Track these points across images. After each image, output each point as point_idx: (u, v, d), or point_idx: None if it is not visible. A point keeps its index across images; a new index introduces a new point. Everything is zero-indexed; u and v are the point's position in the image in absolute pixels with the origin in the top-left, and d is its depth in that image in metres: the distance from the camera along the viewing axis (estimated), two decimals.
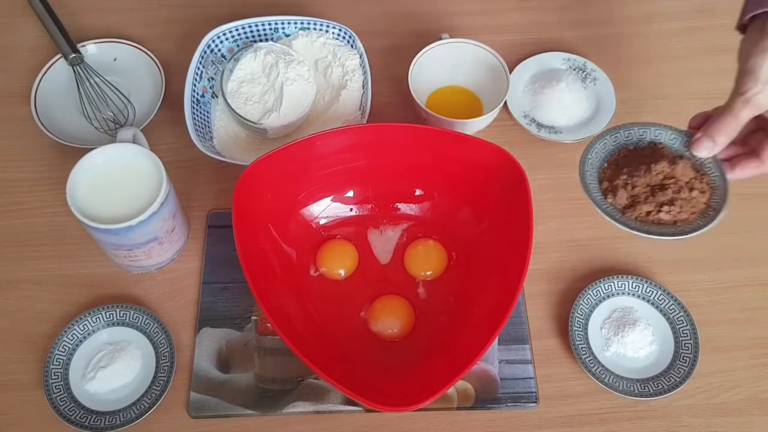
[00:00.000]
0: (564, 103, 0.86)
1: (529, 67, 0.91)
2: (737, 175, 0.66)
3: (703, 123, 0.67)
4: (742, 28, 0.65)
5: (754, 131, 0.66)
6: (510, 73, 0.85)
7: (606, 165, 0.71)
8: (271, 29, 0.89)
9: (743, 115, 0.62)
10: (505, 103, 0.84)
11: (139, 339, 0.73)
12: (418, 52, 0.84)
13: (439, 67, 0.87)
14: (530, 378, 0.72)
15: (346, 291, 0.76)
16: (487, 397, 0.71)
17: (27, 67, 0.90)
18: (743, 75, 0.62)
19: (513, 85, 0.87)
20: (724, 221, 0.82)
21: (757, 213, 0.83)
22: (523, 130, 0.86)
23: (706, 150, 0.65)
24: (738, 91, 0.62)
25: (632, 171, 0.68)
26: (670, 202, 0.66)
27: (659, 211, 0.66)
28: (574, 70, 0.90)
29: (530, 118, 0.87)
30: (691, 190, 0.67)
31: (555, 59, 0.91)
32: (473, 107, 0.87)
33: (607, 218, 0.67)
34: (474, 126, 0.83)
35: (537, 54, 0.92)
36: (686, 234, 0.65)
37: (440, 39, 0.86)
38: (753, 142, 0.66)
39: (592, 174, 0.70)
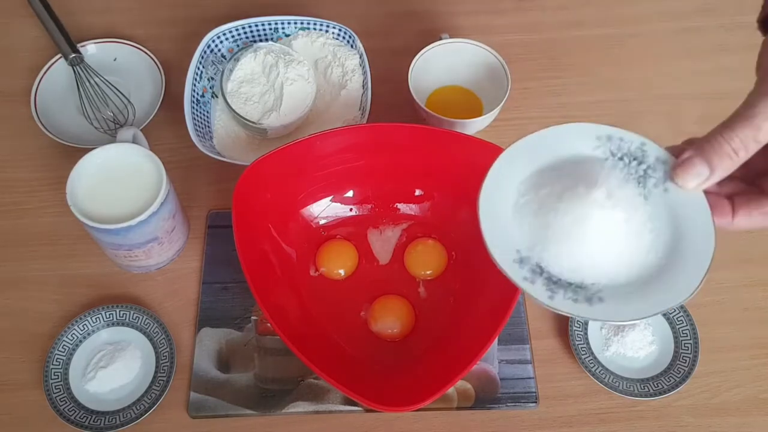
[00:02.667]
0: (603, 234, 0.46)
1: (527, 153, 0.50)
2: (740, 223, 0.46)
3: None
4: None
5: (764, 174, 0.47)
6: (509, 74, 0.83)
7: None
8: (271, 29, 0.89)
9: None
10: (480, 228, 0.48)
11: (139, 339, 0.73)
12: (418, 52, 0.84)
13: (439, 67, 0.86)
14: (530, 378, 0.72)
15: (346, 291, 0.76)
16: (487, 397, 0.71)
17: (27, 67, 0.90)
18: None
19: (489, 195, 0.49)
20: None
21: None
22: (524, 129, 0.84)
23: (697, 178, 0.45)
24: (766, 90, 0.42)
25: None
26: None
27: None
28: (621, 159, 0.49)
29: (533, 264, 0.47)
30: None
31: (580, 137, 0.49)
32: (473, 107, 0.87)
33: None
34: (474, 126, 0.83)
35: (545, 126, 0.51)
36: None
37: (440, 39, 0.86)
38: (764, 182, 0.46)
39: None
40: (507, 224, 0.48)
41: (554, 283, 0.46)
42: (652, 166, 0.48)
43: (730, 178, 0.45)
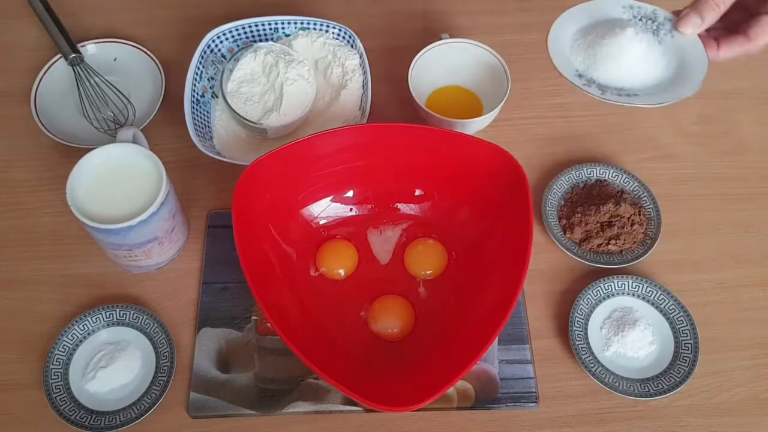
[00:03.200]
0: (635, 55, 0.70)
1: (574, 17, 0.74)
2: (723, 54, 0.67)
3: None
4: None
5: (739, 23, 0.67)
6: (509, 74, 0.84)
7: (563, 203, 0.81)
8: (271, 29, 0.89)
9: None
10: (553, 63, 0.71)
11: (139, 339, 0.73)
12: (418, 52, 0.84)
13: (439, 67, 0.86)
14: (530, 378, 0.72)
15: (346, 291, 0.76)
16: (486, 397, 0.71)
17: (27, 67, 0.90)
18: None
19: (556, 40, 0.73)
20: (724, 220, 0.83)
21: (757, 213, 0.83)
22: (524, 129, 0.86)
23: (693, 26, 0.67)
24: None
25: (585, 210, 0.79)
26: (617, 236, 0.78)
27: (608, 244, 0.78)
28: (641, 20, 0.72)
29: (588, 78, 0.71)
30: (632, 225, 0.78)
31: (612, 6, 0.74)
32: (473, 107, 0.87)
33: (567, 252, 0.77)
34: (474, 126, 0.83)
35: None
36: (629, 262, 0.77)
37: (440, 39, 0.86)
38: (739, 27, 0.66)
39: (552, 213, 0.80)
40: (566, 56, 0.71)
41: (603, 88, 0.70)
42: (661, 23, 0.71)
43: (715, 28, 0.67)
